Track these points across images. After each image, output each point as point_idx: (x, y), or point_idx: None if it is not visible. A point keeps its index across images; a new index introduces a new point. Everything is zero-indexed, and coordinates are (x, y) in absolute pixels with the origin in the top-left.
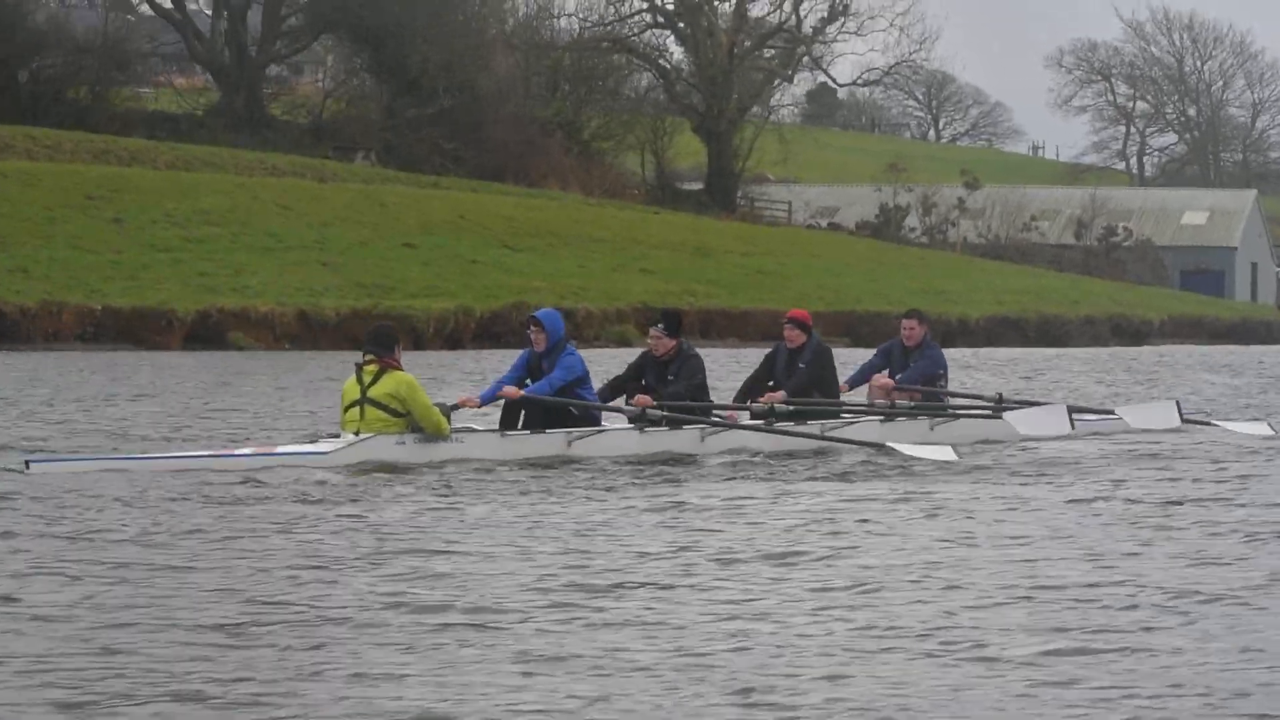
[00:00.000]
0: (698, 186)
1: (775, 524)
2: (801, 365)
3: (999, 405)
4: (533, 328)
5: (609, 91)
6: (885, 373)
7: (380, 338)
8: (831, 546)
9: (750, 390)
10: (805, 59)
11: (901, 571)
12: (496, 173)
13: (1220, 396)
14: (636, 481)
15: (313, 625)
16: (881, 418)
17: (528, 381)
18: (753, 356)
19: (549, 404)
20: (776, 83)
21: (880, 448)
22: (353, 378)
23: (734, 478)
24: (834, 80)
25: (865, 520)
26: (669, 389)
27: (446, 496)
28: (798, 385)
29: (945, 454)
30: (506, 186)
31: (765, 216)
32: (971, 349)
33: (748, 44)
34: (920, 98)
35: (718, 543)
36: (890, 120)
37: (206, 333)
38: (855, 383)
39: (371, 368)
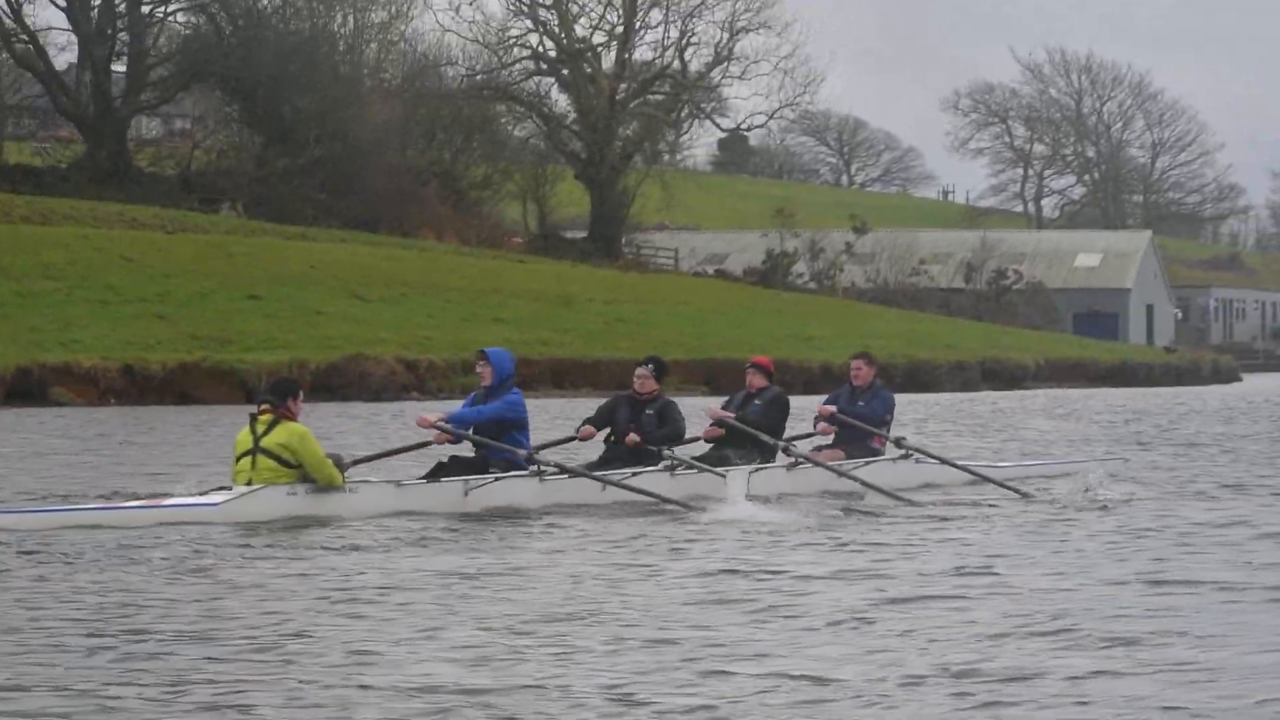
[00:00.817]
0: (583, 235)
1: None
2: (758, 403)
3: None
4: (480, 363)
5: (490, 140)
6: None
7: (278, 388)
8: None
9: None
10: (688, 105)
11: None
12: (370, 223)
13: (1042, 439)
14: (531, 532)
15: (189, 681)
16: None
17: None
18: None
19: (469, 433)
20: (664, 130)
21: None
22: (246, 428)
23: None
24: (719, 126)
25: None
26: (652, 432)
27: (332, 549)
28: (747, 420)
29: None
30: (378, 236)
31: (651, 264)
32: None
33: (630, 90)
34: (831, 144)
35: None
36: (803, 167)
37: (28, 389)
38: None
39: (265, 417)
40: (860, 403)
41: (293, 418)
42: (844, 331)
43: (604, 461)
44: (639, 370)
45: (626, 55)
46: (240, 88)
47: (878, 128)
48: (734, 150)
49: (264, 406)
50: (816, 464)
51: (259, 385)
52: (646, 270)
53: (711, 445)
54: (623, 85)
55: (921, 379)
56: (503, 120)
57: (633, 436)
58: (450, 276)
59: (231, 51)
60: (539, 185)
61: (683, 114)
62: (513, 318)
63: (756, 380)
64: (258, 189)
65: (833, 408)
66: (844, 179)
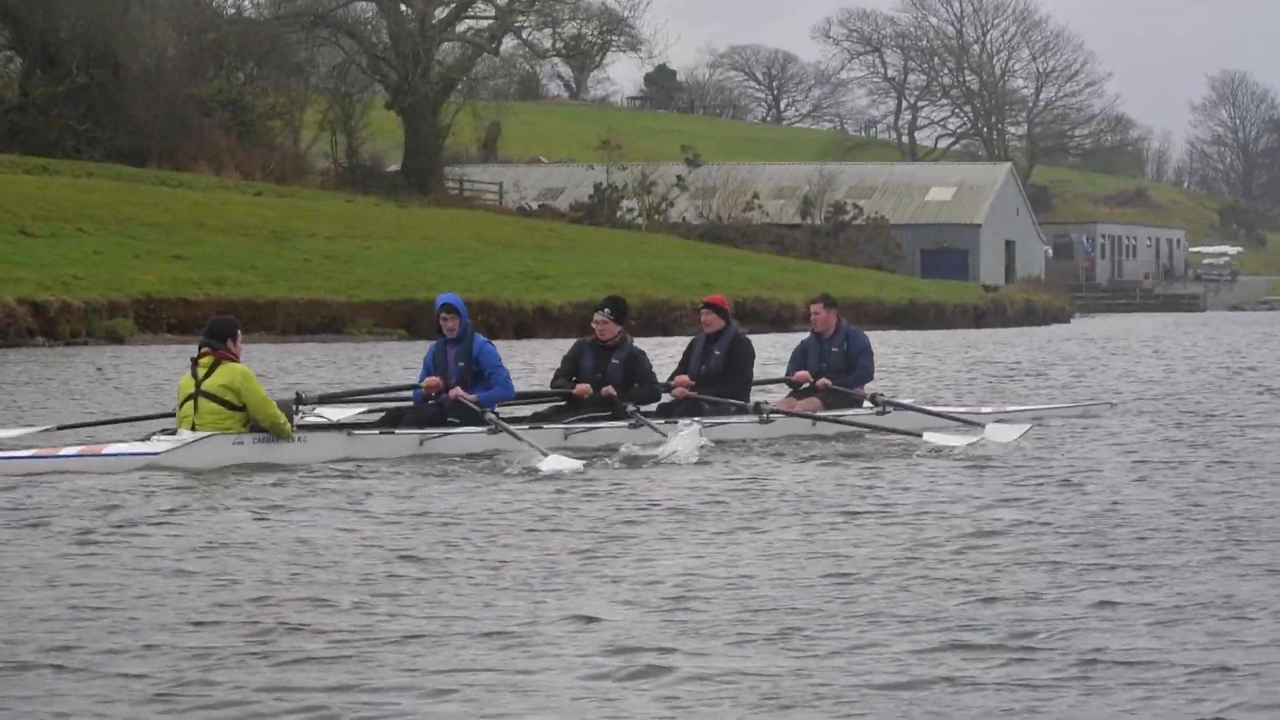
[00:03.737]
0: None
1: (625, 515)
2: (717, 352)
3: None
4: (446, 315)
5: (284, 67)
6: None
7: (215, 329)
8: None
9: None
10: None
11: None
12: (137, 156)
13: None
14: (488, 483)
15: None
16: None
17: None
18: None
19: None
20: (483, 56)
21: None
22: (188, 373)
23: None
24: (536, 51)
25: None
26: (618, 380)
27: (277, 505)
28: (712, 374)
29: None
30: (138, 170)
31: (478, 201)
32: (545, 339)
33: (448, 14)
34: (760, 79)
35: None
36: (735, 103)
37: None
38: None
39: (206, 360)
40: (834, 350)
41: (234, 358)
42: (593, 268)
43: (568, 409)
44: (596, 315)
45: None
46: (10, 9)
47: (809, 62)
48: (660, 85)
49: (204, 349)
50: (790, 414)
51: None
52: (457, 206)
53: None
54: (440, 9)
55: (661, 320)
56: (305, 46)
57: (607, 389)
58: (152, 211)
59: None
60: (346, 116)
61: (502, 40)
62: (195, 254)
63: (712, 321)
64: (15, 118)
65: (826, 380)
66: (771, 115)
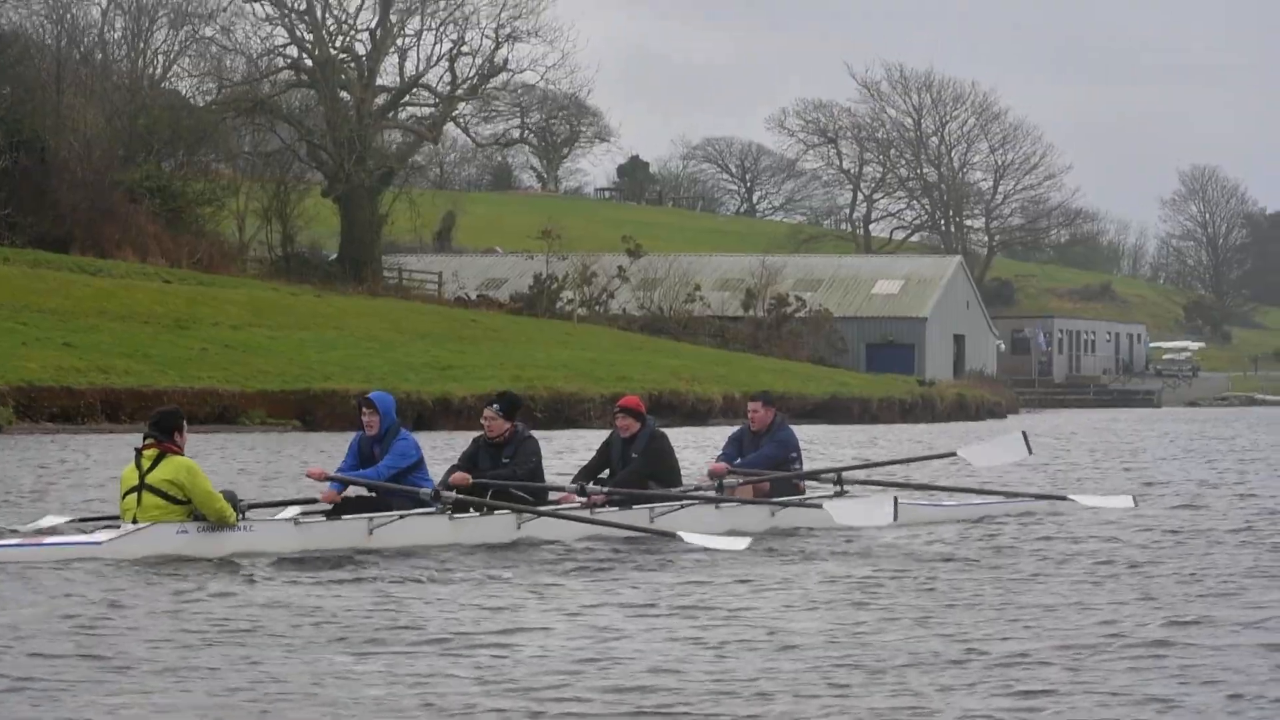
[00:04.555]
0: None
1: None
2: (635, 455)
3: (840, 486)
4: (365, 410)
5: (222, 153)
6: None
7: (161, 422)
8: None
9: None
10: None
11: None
12: (62, 242)
13: None
14: (443, 571)
15: None
16: (714, 504)
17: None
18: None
19: (380, 488)
20: (423, 145)
21: (673, 537)
22: (131, 463)
23: (543, 566)
24: (475, 141)
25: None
26: (501, 472)
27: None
28: (630, 476)
29: (737, 544)
30: (54, 256)
31: (414, 290)
32: (446, 432)
33: (385, 102)
34: (733, 170)
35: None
36: (706, 195)
37: None
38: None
39: (150, 452)
40: (762, 444)
41: (179, 451)
42: (504, 359)
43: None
44: (486, 411)
45: (370, 66)
46: None
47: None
48: (634, 177)
49: (148, 441)
50: (739, 501)
51: None
52: (392, 295)
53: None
54: (382, 97)
55: (568, 414)
56: (240, 132)
57: (459, 475)
58: (53, 298)
59: None
60: (281, 204)
61: (443, 129)
62: (87, 342)
63: (628, 425)
64: None
65: (722, 466)
66: (743, 208)
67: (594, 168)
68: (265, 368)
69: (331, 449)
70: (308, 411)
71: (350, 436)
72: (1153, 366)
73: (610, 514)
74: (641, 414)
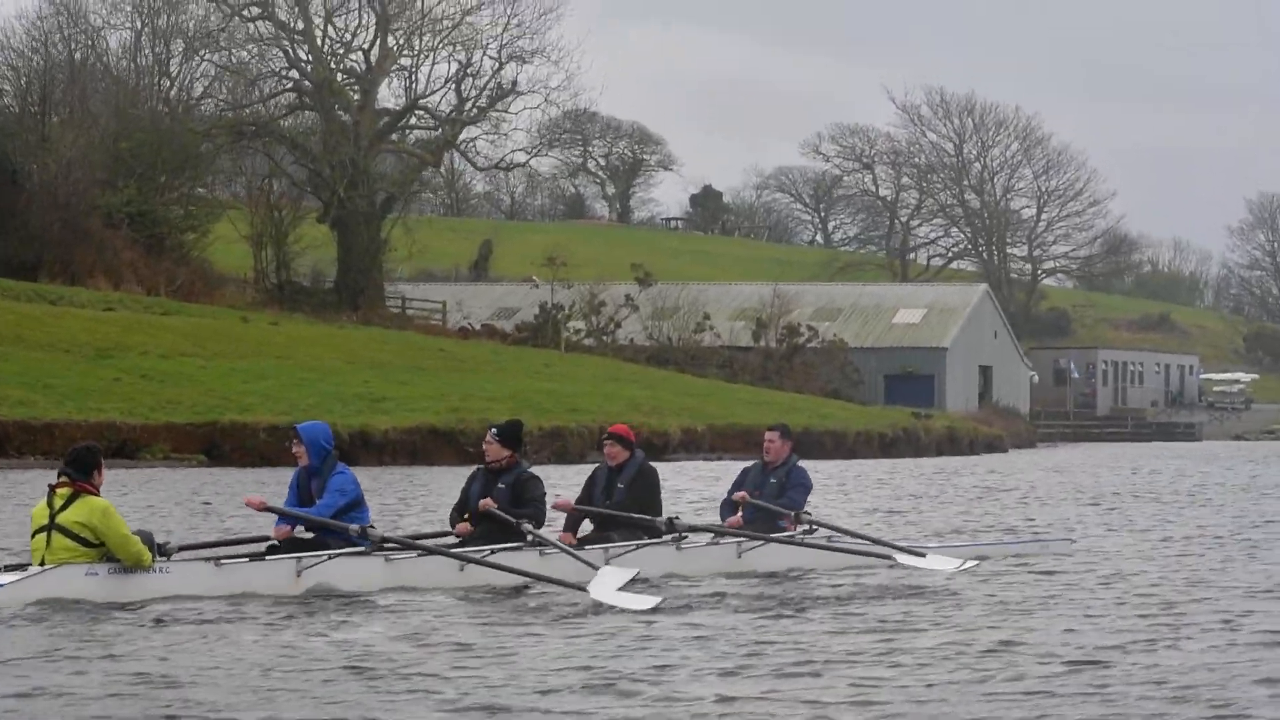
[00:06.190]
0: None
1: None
2: (620, 485)
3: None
4: (294, 441)
5: (208, 177)
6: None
7: (78, 460)
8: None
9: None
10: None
11: None
12: (31, 268)
13: None
14: (371, 616)
15: None
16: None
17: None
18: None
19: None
20: (425, 170)
21: (581, 590)
22: (43, 501)
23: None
24: (475, 165)
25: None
26: (512, 509)
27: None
28: (618, 506)
29: (644, 603)
30: (19, 284)
31: (417, 320)
32: (365, 467)
33: (383, 126)
34: (807, 200)
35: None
36: (780, 225)
37: None
38: (724, 514)
39: (64, 491)
40: (773, 480)
41: (94, 492)
42: (474, 392)
43: (463, 541)
44: (487, 436)
45: (378, 89)
46: None
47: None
48: (706, 207)
49: (62, 479)
50: (710, 530)
51: None
52: (390, 325)
53: (595, 526)
54: (382, 121)
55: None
56: (229, 156)
57: (484, 502)
58: None
59: None
60: (276, 229)
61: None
62: None
63: (616, 453)
64: None
65: (745, 494)
66: (818, 238)
67: (665, 197)
68: (177, 398)
69: (237, 486)
70: (215, 445)
71: (264, 473)
72: (1204, 398)
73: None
74: (630, 442)
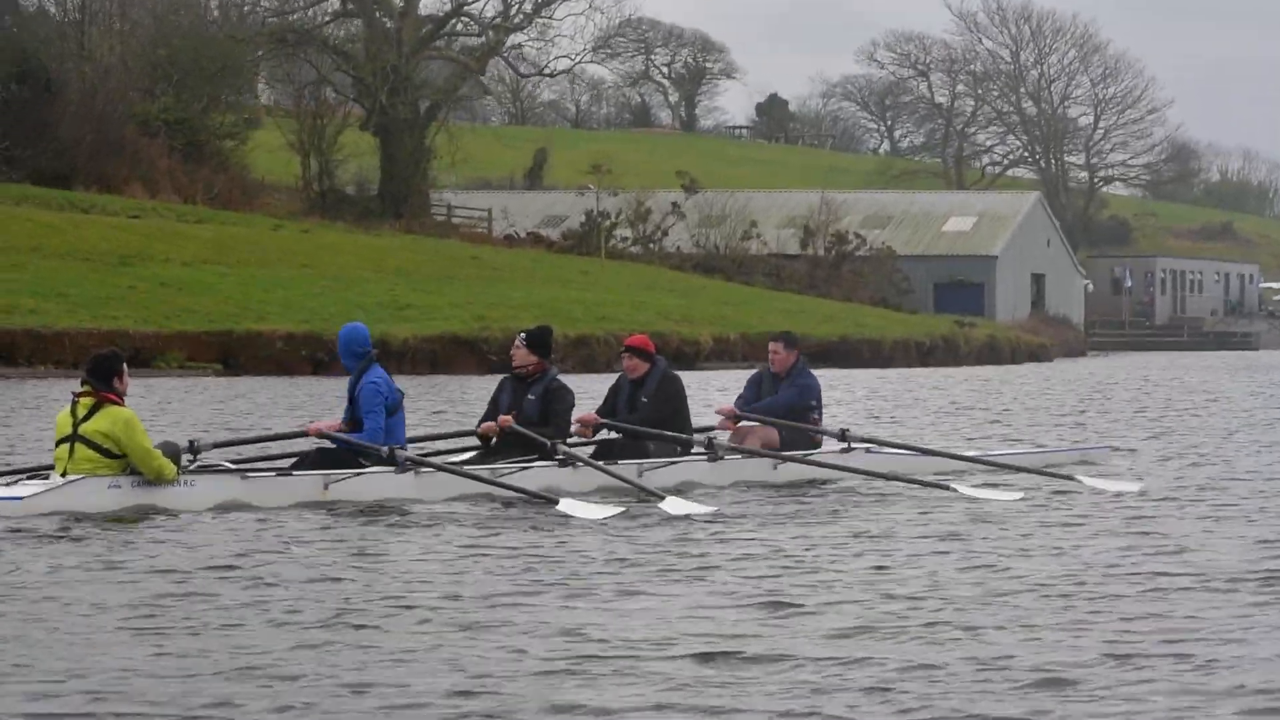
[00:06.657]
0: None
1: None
2: (644, 399)
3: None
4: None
5: (250, 85)
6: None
7: (98, 367)
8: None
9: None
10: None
11: None
12: (63, 177)
13: None
14: (402, 530)
15: None
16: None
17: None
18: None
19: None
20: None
21: (553, 503)
22: (67, 409)
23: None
24: (518, 72)
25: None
26: (533, 418)
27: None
28: (642, 421)
29: (601, 512)
30: (51, 192)
31: (462, 228)
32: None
33: (426, 32)
34: (873, 108)
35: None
36: (848, 134)
37: None
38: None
39: (86, 400)
40: (780, 391)
41: (118, 401)
42: (499, 300)
43: (490, 452)
44: (515, 341)
45: None
46: None
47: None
48: (772, 115)
49: (85, 388)
50: (747, 453)
51: None
52: (428, 233)
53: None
54: (426, 27)
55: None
56: (271, 63)
57: (503, 419)
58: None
59: None
60: (317, 138)
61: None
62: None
63: (635, 366)
64: None
65: (730, 407)
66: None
67: (732, 106)
68: (194, 306)
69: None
70: (230, 354)
71: (282, 382)
72: (1264, 307)
73: (584, 470)
74: (650, 353)
